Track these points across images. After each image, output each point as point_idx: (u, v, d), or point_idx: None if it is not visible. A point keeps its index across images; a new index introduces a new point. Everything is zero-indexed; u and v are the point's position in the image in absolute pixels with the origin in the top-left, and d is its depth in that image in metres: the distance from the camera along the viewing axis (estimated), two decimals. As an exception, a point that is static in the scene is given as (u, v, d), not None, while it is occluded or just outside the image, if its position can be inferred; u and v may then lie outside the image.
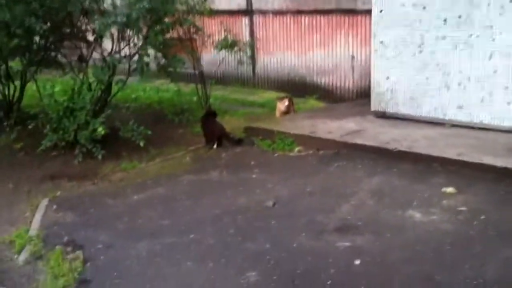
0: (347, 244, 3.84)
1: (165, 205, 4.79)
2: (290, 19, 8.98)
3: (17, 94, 7.42)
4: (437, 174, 5.05)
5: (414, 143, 5.72)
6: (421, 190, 4.71)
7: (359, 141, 5.92)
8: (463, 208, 4.31)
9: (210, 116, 6.58)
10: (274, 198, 4.73)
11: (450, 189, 4.66)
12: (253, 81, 9.71)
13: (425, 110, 6.50)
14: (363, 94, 8.20)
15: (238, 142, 6.47)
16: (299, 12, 8.81)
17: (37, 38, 6.78)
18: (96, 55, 6.88)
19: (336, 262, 3.61)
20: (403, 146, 5.64)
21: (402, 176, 5.07)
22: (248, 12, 9.47)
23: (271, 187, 5.03)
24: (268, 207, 4.57)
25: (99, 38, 6.63)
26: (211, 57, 8.95)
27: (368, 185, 4.92)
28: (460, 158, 5.21)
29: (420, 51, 6.38)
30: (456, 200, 4.47)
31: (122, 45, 6.78)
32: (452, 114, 6.30)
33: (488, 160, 5.08)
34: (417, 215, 4.24)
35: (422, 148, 5.55)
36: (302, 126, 6.64)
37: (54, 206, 4.87)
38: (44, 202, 4.99)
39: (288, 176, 5.30)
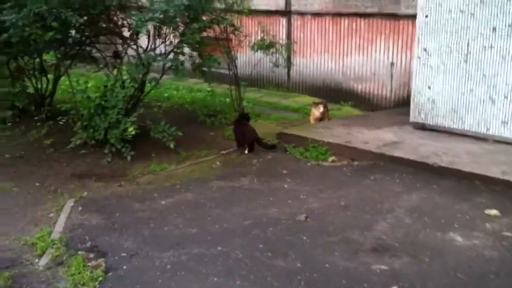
0: (384, 267, 3.61)
1: (193, 212, 4.62)
2: (329, 21, 8.74)
3: (49, 88, 7.37)
4: (480, 193, 4.77)
5: (455, 159, 5.44)
6: (463, 211, 4.44)
7: (397, 153, 5.66)
8: (508, 234, 4.03)
9: (242, 119, 6.40)
10: (307, 210, 4.52)
11: (494, 212, 4.38)
12: (287, 84, 9.50)
13: (468, 124, 6.20)
14: (401, 103, 7.93)
15: (271, 148, 6.28)
16: (338, 15, 8.56)
17: (72, 32, 6.70)
18: (131, 51, 6.76)
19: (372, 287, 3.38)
20: (444, 162, 5.36)
21: (443, 193, 4.80)
22: (286, 13, 9.26)
23: (304, 198, 4.82)
24: (300, 220, 4.35)
25: (135, 34, 6.51)
26: (246, 58, 8.80)
27: (406, 201, 4.67)
28: (506, 177, 4.91)
29: (465, 61, 6.09)
30: (500, 224, 4.19)
31: (157, 42, 6.66)
32: (496, 129, 5.99)
33: (536, 181, 4.78)
34: (459, 239, 3.98)
35: (464, 164, 5.27)
36: (337, 134, 6.41)
37: (80, 208, 4.75)
38: (70, 202, 4.87)
39: (322, 187, 5.07)
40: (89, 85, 7.18)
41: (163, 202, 4.86)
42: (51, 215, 4.67)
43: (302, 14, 9.08)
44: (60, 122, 6.57)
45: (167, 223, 4.41)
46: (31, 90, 7.56)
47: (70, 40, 6.71)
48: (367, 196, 4.83)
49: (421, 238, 4.01)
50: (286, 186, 5.16)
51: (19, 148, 6.35)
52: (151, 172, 5.68)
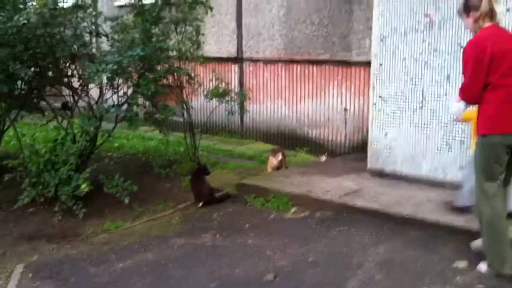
0: (362, 330, 3.48)
1: (155, 274, 4.37)
2: (281, 68, 8.77)
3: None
4: (446, 243, 4.72)
5: (418, 207, 5.41)
6: (432, 263, 4.38)
7: (359, 203, 5.60)
8: (480, 286, 3.98)
9: (199, 174, 6.22)
10: (275, 269, 4.35)
11: (462, 264, 4.32)
12: (241, 131, 9.41)
13: (425, 169, 6.23)
14: (355, 149, 7.97)
15: (227, 197, 6.14)
16: (291, 61, 8.61)
17: (19, 83, 6.40)
18: (81, 102, 6.52)
19: None
20: (407, 210, 5.33)
21: (410, 244, 4.74)
22: (238, 59, 9.25)
23: (270, 255, 4.65)
24: (269, 281, 4.18)
25: (86, 85, 6.29)
26: (200, 105, 8.67)
27: (374, 254, 4.57)
28: (468, 226, 4.90)
29: (421, 107, 6.16)
30: (471, 277, 4.14)
31: (110, 93, 6.45)
32: (454, 175, 6.04)
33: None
34: (433, 294, 3.91)
35: (427, 213, 5.25)
36: (297, 183, 6.32)
37: (30, 274, 4.42)
38: (19, 268, 4.52)
39: (287, 242, 4.92)
40: (36, 135, 6.88)
41: (121, 265, 4.58)
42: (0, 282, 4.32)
43: (254, 61, 9.08)
44: (6, 178, 6.17)
45: (128, 288, 4.14)
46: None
47: (16, 92, 6.41)
48: (335, 250, 4.72)
49: (395, 295, 3.92)
50: (250, 241, 4.98)
51: (-39, 208, 5.95)
52: (106, 231, 5.39)
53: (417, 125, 6.21)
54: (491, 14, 4.05)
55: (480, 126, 4.12)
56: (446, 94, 5.98)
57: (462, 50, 4.20)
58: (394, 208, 5.40)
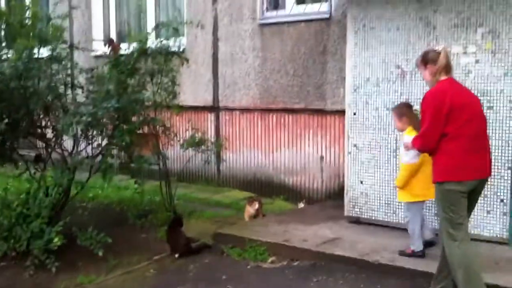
0: None
1: (129, 332, 4.26)
2: (257, 117, 8.83)
3: (-36, 194, 6.85)
4: (425, 294, 4.71)
5: (395, 255, 5.40)
6: (411, 313, 4.35)
7: (337, 251, 5.58)
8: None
9: (175, 225, 6.14)
10: (252, 323, 4.28)
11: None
12: (217, 179, 9.38)
13: (401, 216, 6.25)
14: (332, 196, 7.98)
15: (203, 247, 6.09)
16: (267, 110, 8.68)
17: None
18: (55, 154, 6.45)
19: None
20: (384, 259, 5.32)
21: (388, 295, 4.71)
22: (214, 108, 9.31)
23: (247, 307, 4.58)
24: (246, 335, 4.10)
25: (60, 137, 6.25)
26: (175, 154, 8.67)
27: (353, 306, 4.53)
28: (446, 273, 4.90)
29: (395, 156, 6.23)
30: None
31: (84, 144, 6.41)
32: (430, 223, 6.07)
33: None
34: None
35: (405, 261, 5.24)
36: (273, 232, 6.27)
37: (0, 334, 4.27)
38: (-12, 327, 4.38)
39: (265, 293, 4.86)
40: (9, 187, 6.77)
41: (94, 323, 4.46)
42: None
43: (230, 109, 9.14)
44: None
45: None
46: None
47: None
48: (313, 301, 4.66)
49: None
50: (227, 294, 4.91)
51: None
52: (78, 286, 5.26)
53: (392, 172, 6.26)
54: (447, 68, 4.31)
55: (437, 174, 4.29)
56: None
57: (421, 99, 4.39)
58: (372, 257, 5.39)
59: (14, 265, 5.65)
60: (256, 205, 7.04)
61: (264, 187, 8.74)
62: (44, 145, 6.53)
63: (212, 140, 8.28)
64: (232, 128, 9.16)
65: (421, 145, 4.39)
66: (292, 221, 6.76)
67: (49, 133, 6.56)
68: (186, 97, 9.17)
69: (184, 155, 8.08)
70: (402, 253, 5.37)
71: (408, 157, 5.26)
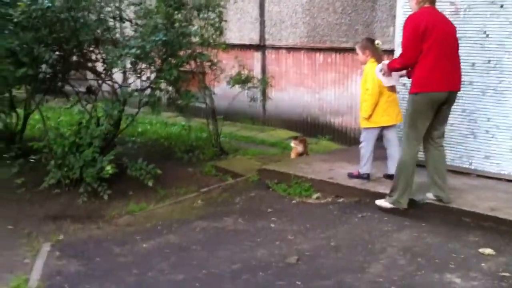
0: (384, 313, 3.47)
1: (178, 255, 4.41)
2: (303, 55, 8.73)
3: (19, 124, 7.08)
4: (470, 230, 4.69)
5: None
6: (456, 250, 4.34)
7: (382, 189, 5.56)
8: (506, 274, 3.94)
9: None
10: (297, 252, 4.36)
11: (488, 250, 4.29)
12: (263, 119, 9.41)
13: (450, 158, 6.16)
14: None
15: None
16: (313, 49, 8.56)
17: (43, 67, 6.48)
18: (105, 87, 6.57)
19: (374, 336, 3.23)
20: (429, 198, 5.29)
21: (433, 232, 4.70)
22: (260, 47, 9.23)
23: (292, 239, 4.66)
24: (291, 263, 4.19)
25: (110, 69, 6.34)
26: (222, 92, 8.69)
27: (397, 241, 4.55)
28: (494, 214, 4.86)
29: (445, 94, 6.10)
30: (496, 263, 4.10)
31: (133, 77, 6.49)
32: (479, 164, 5.98)
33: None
34: (457, 280, 3.87)
35: (451, 199, 5.20)
36: (319, 170, 6.30)
37: (57, 253, 4.49)
38: (46, 247, 4.60)
39: (309, 226, 4.93)
40: (61, 119, 6.96)
41: (145, 245, 4.63)
42: (26, 260, 4.41)
43: (276, 48, 9.06)
44: (31, 160, 6.27)
45: (151, 268, 4.18)
46: (0, 126, 7.25)
47: (41, 75, 6.48)
48: (357, 235, 4.71)
49: (419, 280, 3.89)
50: (272, 225, 5.00)
51: (-13, 189, 6.06)
52: (129, 213, 5.46)
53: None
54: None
55: (412, 86, 4.93)
56: (471, 83, 5.91)
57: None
58: (417, 196, 5.36)
59: (67, 192, 5.88)
60: (302, 144, 7.05)
61: (309, 127, 8.74)
62: (94, 77, 6.62)
63: (259, 77, 8.24)
64: (279, 67, 9.10)
65: (403, 62, 4.96)
66: (337, 160, 6.76)
67: (99, 66, 6.65)
68: (232, 35, 9.13)
69: (230, 93, 8.10)
70: (350, 175, 5.88)
71: (394, 80, 5.48)
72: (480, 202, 5.13)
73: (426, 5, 4.91)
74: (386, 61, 5.31)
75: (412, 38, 4.79)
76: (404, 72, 5.18)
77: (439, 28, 4.81)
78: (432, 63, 4.79)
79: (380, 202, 5.24)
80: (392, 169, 5.68)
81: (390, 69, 5.20)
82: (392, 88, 5.64)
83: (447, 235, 4.63)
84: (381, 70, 5.34)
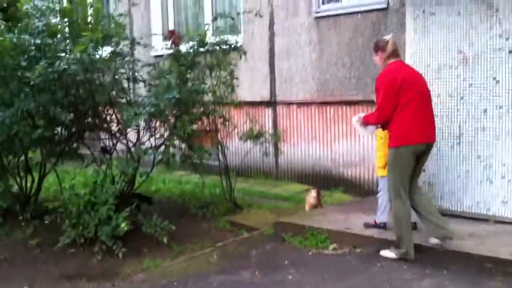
0: None
1: (196, 310, 4.34)
2: (314, 110, 8.82)
3: (34, 186, 7.14)
4: (492, 277, 4.60)
5: (460, 241, 5.28)
6: (480, 296, 4.25)
7: (400, 238, 5.50)
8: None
9: None
10: (316, 304, 4.28)
11: (513, 296, 4.20)
12: (275, 173, 9.41)
13: (466, 205, 6.11)
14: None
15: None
16: (324, 103, 8.66)
17: (58, 129, 6.60)
18: (120, 146, 6.65)
19: None
20: (450, 245, 5.20)
21: (455, 279, 4.62)
22: (271, 103, 9.36)
23: (311, 290, 4.58)
24: (311, 315, 4.11)
25: (125, 129, 6.44)
26: (234, 148, 8.75)
27: (419, 289, 4.46)
28: (516, 258, 4.77)
29: (459, 143, 6.10)
30: (522, 309, 4.00)
31: (147, 136, 6.58)
32: (496, 210, 5.91)
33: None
34: (482, 327, 3.77)
35: (471, 247, 5.12)
36: (335, 220, 6.25)
37: (73, 311, 4.44)
38: (62, 306, 4.55)
39: (327, 277, 4.85)
40: (76, 180, 7.00)
41: (161, 302, 4.57)
42: (42, 321, 4.34)
43: (287, 104, 9.17)
44: (46, 222, 6.28)
45: (169, 324, 4.11)
46: (15, 189, 7.31)
47: (56, 137, 6.60)
48: (377, 285, 4.63)
49: (443, 328, 3.79)
50: (290, 277, 4.93)
51: (4, 250, 6.03)
52: (144, 270, 5.39)
53: (456, 160, 6.13)
54: (395, 53, 5.14)
55: (392, 140, 5.08)
56: (484, 129, 5.93)
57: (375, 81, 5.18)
58: (436, 243, 5.28)
59: (82, 251, 5.85)
60: (313, 194, 7.03)
61: (322, 180, 8.71)
62: (109, 136, 6.71)
63: (270, 132, 8.31)
64: (290, 122, 9.18)
65: (378, 117, 5.14)
66: (352, 210, 6.71)
67: (113, 126, 6.75)
68: (244, 93, 9.23)
69: (242, 149, 8.17)
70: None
71: (369, 131, 5.75)
72: (501, 248, 5.05)
73: (392, 60, 5.13)
74: (362, 114, 5.58)
75: (388, 94, 4.97)
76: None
77: (416, 81, 5.07)
78: (412, 116, 4.98)
79: (385, 253, 5.27)
80: (381, 218, 5.83)
81: (366, 124, 5.47)
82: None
83: (470, 282, 4.55)
84: (357, 121, 5.56)
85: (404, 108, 4.97)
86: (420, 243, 5.31)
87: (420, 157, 5.17)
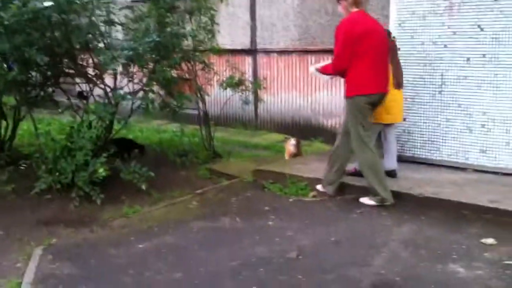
0: (390, 303, 3.39)
1: (175, 255, 4.30)
2: (295, 58, 8.69)
3: (9, 131, 6.95)
4: (471, 223, 4.64)
5: (439, 189, 5.32)
6: (458, 241, 4.29)
7: (379, 186, 5.51)
8: (510, 262, 3.89)
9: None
10: (297, 248, 4.27)
11: (490, 240, 4.25)
12: (255, 123, 9.34)
13: (446, 154, 6.14)
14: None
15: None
16: (305, 52, 8.53)
17: (33, 73, 6.37)
18: (97, 91, 6.47)
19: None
20: (428, 192, 5.24)
21: (433, 225, 4.65)
22: (252, 51, 9.19)
23: (291, 235, 4.58)
24: (291, 258, 4.10)
25: (102, 73, 6.25)
26: (213, 97, 8.63)
27: (398, 234, 4.49)
28: (494, 205, 4.82)
29: (440, 91, 6.07)
30: (499, 253, 4.05)
31: (125, 80, 6.41)
32: (475, 159, 5.95)
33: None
34: (461, 270, 3.81)
35: (449, 194, 5.16)
36: (314, 168, 6.22)
37: (50, 256, 4.35)
38: (38, 251, 4.46)
39: (308, 223, 4.85)
40: (52, 126, 6.84)
41: (141, 246, 4.51)
42: (19, 265, 4.26)
43: (267, 52, 9.02)
44: (21, 167, 6.16)
45: (148, 268, 4.06)
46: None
47: (31, 81, 6.38)
48: (357, 230, 4.64)
49: (422, 271, 3.82)
50: (270, 223, 4.91)
51: (-22, 196, 5.91)
52: (123, 216, 5.32)
53: (436, 109, 6.11)
54: (357, 2, 5.10)
55: (348, 90, 5.12)
56: (466, 77, 5.89)
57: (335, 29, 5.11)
58: (415, 190, 5.32)
59: (59, 197, 5.73)
60: (295, 143, 6.99)
61: (302, 130, 8.68)
62: (85, 81, 6.52)
63: (251, 80, 8.19)
64: (270, 70, 9.06)
65: (334, 66, 5.15)
66: (332, 159, 6.68)
67: (91, 71, 6.55)
68: (224, 40, 9.04)
69: (222, 98, 8.04)
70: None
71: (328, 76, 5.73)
72: (479, 195, 5.09)
73: (354, 9, 5.10)
74: (318, 65, 5.61)
75: (345, 44, 4.95)
76: None
77: (374, 32, 5.02)
78: (368, 66, 4.98)
79: (364, 200, 5.28)
80: (390, 164, 5.66)
81: (323, 73, 5.52)
82: (399, 85, 5.60)
83: (448, 227, 4.58)
84: (315, 71, 5.58)
85: (362, 57, 4.95)
86: (399, 190, 5.34)
87: (374, 107, 5.20)
